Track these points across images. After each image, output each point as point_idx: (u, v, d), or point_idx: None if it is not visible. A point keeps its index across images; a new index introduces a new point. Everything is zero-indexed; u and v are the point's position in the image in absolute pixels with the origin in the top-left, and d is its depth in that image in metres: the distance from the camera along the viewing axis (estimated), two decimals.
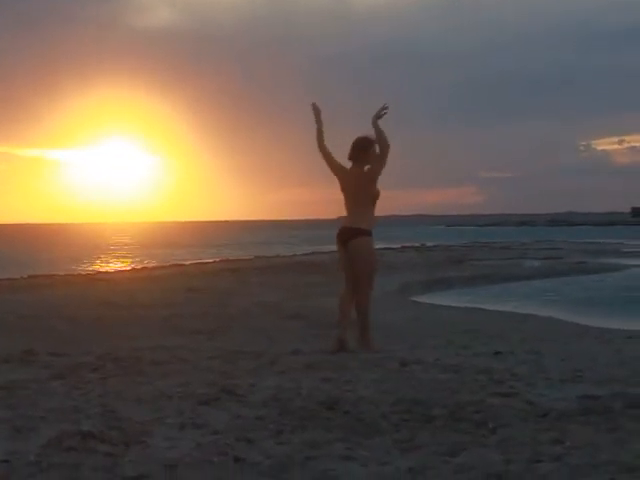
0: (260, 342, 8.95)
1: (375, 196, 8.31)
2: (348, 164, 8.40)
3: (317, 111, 8.46)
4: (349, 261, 8.26)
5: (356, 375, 6.52)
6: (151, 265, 31.10)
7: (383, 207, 8.43)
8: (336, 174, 8.42)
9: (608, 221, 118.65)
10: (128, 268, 31.05)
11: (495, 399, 5.53)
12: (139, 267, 30.44)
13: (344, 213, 8.43)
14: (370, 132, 8.29)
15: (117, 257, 43.95)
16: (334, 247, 8.75)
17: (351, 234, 8.22)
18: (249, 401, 5.55)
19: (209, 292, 16.47)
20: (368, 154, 8.27)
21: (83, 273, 25.09)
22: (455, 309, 14.28)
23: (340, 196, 8.43)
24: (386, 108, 8.20)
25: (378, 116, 8.19)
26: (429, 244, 44.74)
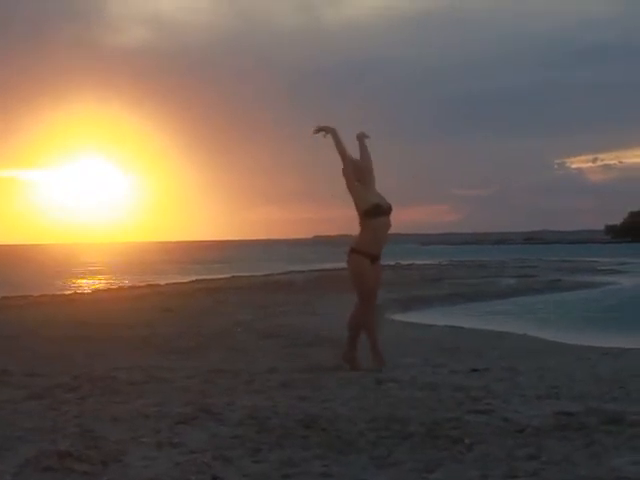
0: (237, 361, 8.93)
1: (362, 213, 8.08)
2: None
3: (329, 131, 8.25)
4: None
5: (333, 393, 6.53)
6: (127, 285, 30.93)
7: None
8: None
9: (583, 239, 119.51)
10: (104, 288, 30.86)
11: (471, 416, 5.56)
12: (115, 287, 30.27)
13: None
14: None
15: (93, 277, 43.67)
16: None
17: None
18: (226, 420, 5.55)
19: (185, 312, 16.40)
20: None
21: (58, 294, 24.88)
22: (431, 327, 14.28)
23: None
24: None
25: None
26: (404, 262, 44.71)
